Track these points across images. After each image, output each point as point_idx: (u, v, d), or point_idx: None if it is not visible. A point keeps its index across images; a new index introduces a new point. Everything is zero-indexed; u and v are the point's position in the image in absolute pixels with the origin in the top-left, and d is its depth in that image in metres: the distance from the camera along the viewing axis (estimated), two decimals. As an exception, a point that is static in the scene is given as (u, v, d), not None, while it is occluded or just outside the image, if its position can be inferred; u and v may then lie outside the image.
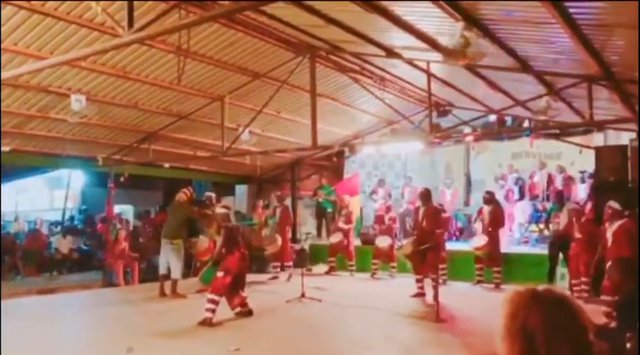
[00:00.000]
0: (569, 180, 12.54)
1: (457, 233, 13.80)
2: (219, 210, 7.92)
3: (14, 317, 7.75)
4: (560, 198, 10.52)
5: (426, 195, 9.37)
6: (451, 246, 11.61)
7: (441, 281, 9.16)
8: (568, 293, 1.60)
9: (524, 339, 1.43)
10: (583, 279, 8.54)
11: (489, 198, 10.68)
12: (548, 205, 11.77)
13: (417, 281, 9.09)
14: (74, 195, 19.30)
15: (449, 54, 5.67)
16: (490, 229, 10.25)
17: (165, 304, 8.97)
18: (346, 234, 12.06)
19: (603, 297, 6.80)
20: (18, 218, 16.36)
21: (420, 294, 9.00)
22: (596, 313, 5.94)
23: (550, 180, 12.96)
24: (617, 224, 7.25)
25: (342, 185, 14.06)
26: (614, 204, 7.41)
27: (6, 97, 8.13)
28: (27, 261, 13.32)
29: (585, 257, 8.48)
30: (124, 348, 5.98)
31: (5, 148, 9.84)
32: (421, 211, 9.26)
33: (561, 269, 9.65)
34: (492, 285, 10.06)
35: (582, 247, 8.63)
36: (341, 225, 12.20)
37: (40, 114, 8.91)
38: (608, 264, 6.66)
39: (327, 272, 12.05)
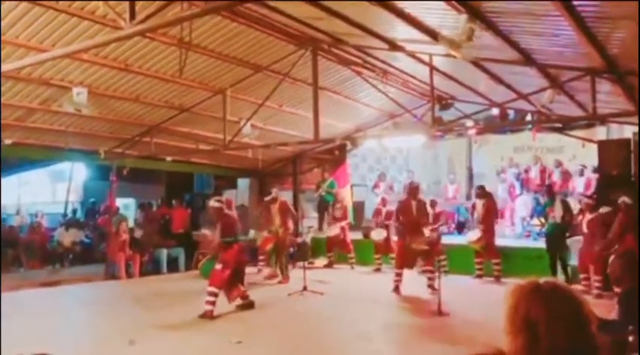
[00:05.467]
0: (566, 174, 12.55)
1: (458, 227, 13.81)
2: (212, 203, 7.92)
3: (17, 309, 7.79)
4: (551, 192, 10.53)
5: (415, 190, 9.37)
6: (452, 239, 11.63)
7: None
8: (567, 284, 1.59)
9: (527, 331, 1.42)
10: (595, 277, 8.52)
11: (482, 193, 10.75)
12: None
13: (397, 274, 9.08)
14: (76, 188, 19.30)
15: (446, 43, 5.68)
16: (484, 223, 10.28)
17: (167, 297, 9.00)
18: (342, 227, 12.11)
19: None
20: (20, 211, 16.39)
21: (397, 288, 9.00)
22: (607, 308, 5.92)
23: (548, 174, 12.98)
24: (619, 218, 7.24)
25: (335, 176, 14.11)
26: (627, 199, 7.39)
27: (8, 90, 8.13)
28: (29, 254, 13.35)
29: (593, 252, 8.47)
30: (126, 340, 6.02)
31: (7, 141, 9.85)
32: (414, 205, 9.21)
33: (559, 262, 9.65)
34: (492, 278, 10.09)
35: (590, 242, 8.63)
36: (336, 218, 12.27)
37: (42, 107, 8.91)
38: (611, 257, 6.65)
39: (326, 266, 12.12)
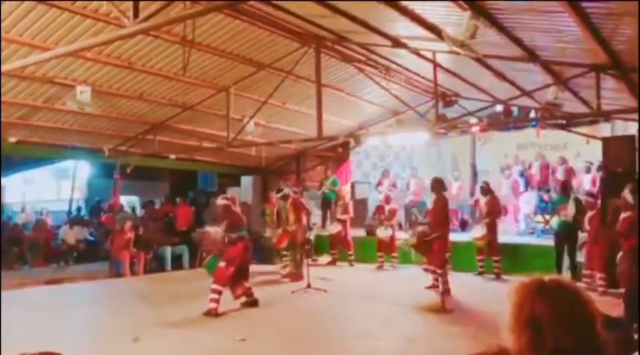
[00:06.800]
0: (570, 172, 12.50)
1: (461, 224, 13.78)
2: (219, 201, 7.92)
3: (22, 306, 7.82)
4: (566, 189, 10.47)
5: (437, 185, 9.09)
6: (454, 237, 11.60)
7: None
8: (572, 281, 1.58)
9: (532, 329, 1.42)
10: (599, 275, 8.47)
11: (486, 189, 10.71)
12: (554, 196, 11.72)
13: (431, 272, 8.92)
14: (81, 186, 19.36)
15: (450, 40, 5.67)
16: (488, 219, 10.26)
17: (171, 295, 9.02)
18: (344, 224, 12.11)
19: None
20: (25, 208, 16.45)
21: (435, 286, 8.84)
22: (611, 305, 5.92)
23: (551, 170, 12.93)
24: (624, 215, 7.19)
25: (338, 174, 14.15)
26: (627, 195, 7.34)
27: (12, 88, 8.16)
28: (34, 252, 13.40)
29: (597, 250, 8.45)
30: (130, 338, 6.04)
31: (12, 139, 9.90)
32: (432, 202, 9.09)
33: (567, 260, 9.61)
34: (493, 275, 10.07)
35: (593, 240, 8.60)
36: (339, 216, 12.28)
37: (46, 105, 8.93)
38: (619, 255, 6.63)
39: (330, 264, 12.12)
